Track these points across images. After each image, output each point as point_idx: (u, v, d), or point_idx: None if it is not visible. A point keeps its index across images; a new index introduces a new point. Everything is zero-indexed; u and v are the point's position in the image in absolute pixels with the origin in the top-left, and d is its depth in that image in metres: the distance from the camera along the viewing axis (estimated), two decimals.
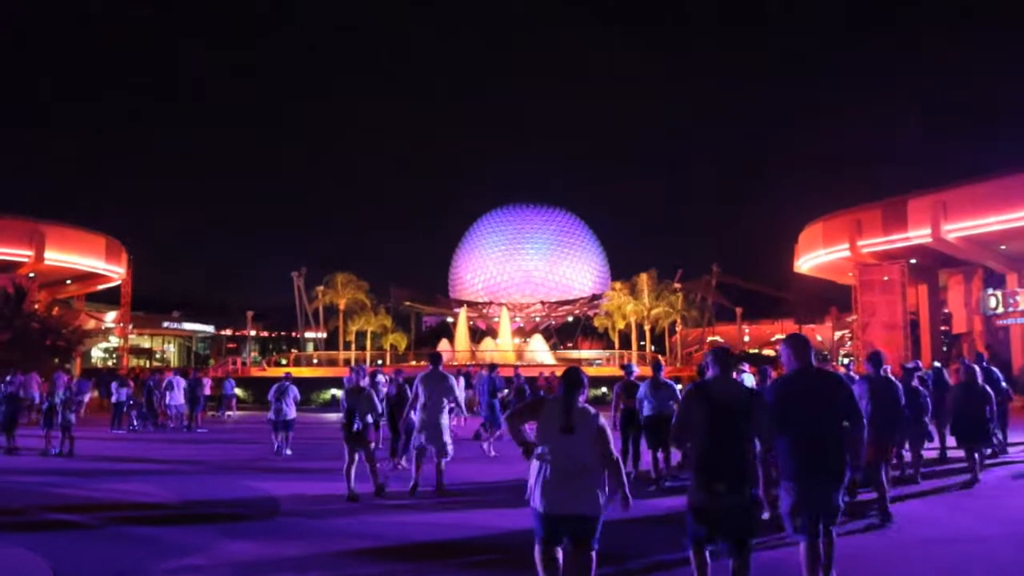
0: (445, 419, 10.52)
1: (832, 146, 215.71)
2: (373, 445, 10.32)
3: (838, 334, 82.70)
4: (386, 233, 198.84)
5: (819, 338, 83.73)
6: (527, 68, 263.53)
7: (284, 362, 58.86)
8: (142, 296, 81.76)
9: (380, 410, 10.45)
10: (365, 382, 10.37)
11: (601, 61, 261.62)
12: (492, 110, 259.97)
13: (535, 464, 5.17)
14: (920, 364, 15.26)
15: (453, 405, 11.11)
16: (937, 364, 15.74)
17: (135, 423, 21.76)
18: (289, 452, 15.26)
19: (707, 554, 5.19)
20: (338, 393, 24.12)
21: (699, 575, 5.17)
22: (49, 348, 34.50)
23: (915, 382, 11.06)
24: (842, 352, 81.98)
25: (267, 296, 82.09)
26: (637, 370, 13.19)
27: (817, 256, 41.07)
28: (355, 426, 9.78)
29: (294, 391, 15.78)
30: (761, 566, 5.67)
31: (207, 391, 24.00)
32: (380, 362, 62.41)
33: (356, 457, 9.95)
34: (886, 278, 37.15)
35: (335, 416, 13.85)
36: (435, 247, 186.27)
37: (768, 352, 79.84)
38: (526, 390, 18.33)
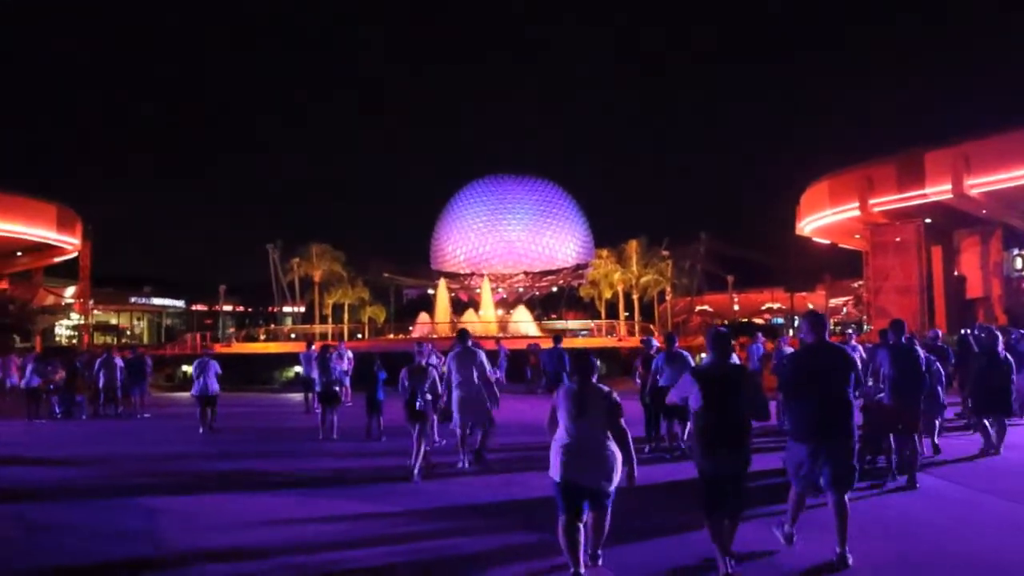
0: (480, 391, 10.53)
1: (833, 103, 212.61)
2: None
3: (833, 302, 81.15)
4: (365, 206, 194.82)
5: (811, 306, 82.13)
6: (511, 35, 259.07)
7: (263, 337, 56.15)
8: (110, 271, 79.14)
9: (440, 390, 10.53)
10: (426, 360, 10.61)
11: (588, 13, 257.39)
12: (473, 78, 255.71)
13: (556, 441, 5.65)
14: (939, 333, 13.97)
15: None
16: (964, 331, 15.22)
17: (57, 409, 18.90)
18: (214, 427, 15.56)
19: (721, 518, 5.61)
20: (299, 370, 21.88)
21: (714, 539, 5.62)
22: None
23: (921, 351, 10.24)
24: (835, 320, 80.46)
25: (243, 270, 79.16)
26: (657, 343, 13.13)
27: (823, 217, 38.54)
28: (417, 404, 9.94)
29: (215, 366, 16.19)
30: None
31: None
32: (360, 336, 60.20)
33: (418, 429, 10.00)
34: (899, 239, 34.65)
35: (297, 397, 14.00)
36: (416, 219, 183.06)
37: (758, 320, 78.23)
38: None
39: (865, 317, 63.40)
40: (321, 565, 6.28)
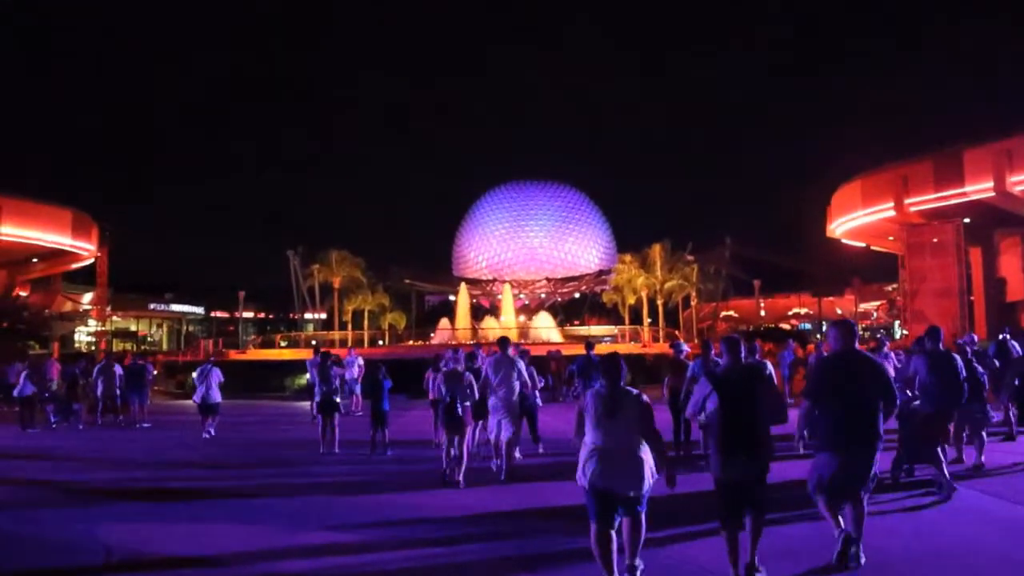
0: (515, 400, 10.60)
1: (857, 103, 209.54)
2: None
3: (863, 306, 79.54)
4: (387, 212, 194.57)
5: (839, 311, 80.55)
6: (531, 39, 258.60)
7: (283, 344, 55.62)
8: (130, 277, 79.16)
9: (477, 396, 10.48)
10: (461, 366, 10.66)
11: (608, 18, 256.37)
12: (494, 84, 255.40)
13: (585, 447, 5.51)
14: (975, 338, 13.33)
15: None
16: (1002, 336, 14.03)
17: (52, 418, 18.00)
18: (213, 433, 15.26)
19: (736, 528, 5.52)
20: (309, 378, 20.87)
21: (729, 546, 5.52)
22: (6, 332, 30.87)
23: (970, 357, 10.30)
24: (864, 325, 78.72)
25: (264, 277, 78.76)
26: (687, 348, 12.91)
27: (855, 218, 37.20)
28: (457, 411, 9.86)
29: (217, 374, 15.81)
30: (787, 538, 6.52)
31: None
32: (381, 342, 59.60)
33: (454, 441, 9.95)
34: (936, 240, 33.22)
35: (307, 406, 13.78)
36: (438, 225, 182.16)
37: (785, 326, 76.77)
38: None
39: (899, 322, 61.86)
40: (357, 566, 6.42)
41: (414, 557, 6.66)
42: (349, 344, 56.98)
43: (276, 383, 29.33)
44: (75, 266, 46.10)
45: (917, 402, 8.89)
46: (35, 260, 41.36)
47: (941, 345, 9.02)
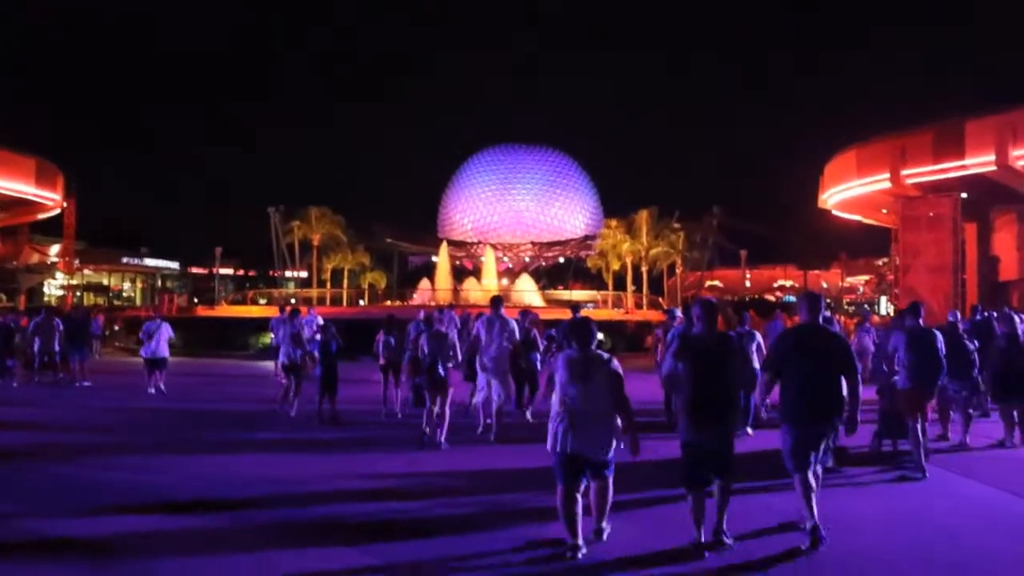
0: (506, 361, 10.56)
1: (854, 74, 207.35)
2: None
3: (849, 280, 79.22)
4: (371, 171, 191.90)
5: (824, 284, 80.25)
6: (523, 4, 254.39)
7: (263, 301, 54.37)
8: (107, 232, 77.28)
9: (460, 358, 10.44)
10: (447, 327, 10.53)
11: None
12: (483, 46, 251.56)
13: (554, 410, 5.53)
14: (959, 315, 12.77)
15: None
16: (986, 313, 13.97)
17: None
18: (164, 390, 15.12)
19: (702, 493, 5.56)
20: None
21: (695, 512, 5.53)
22: None
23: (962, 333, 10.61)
24: (848, 300, 78.29)
25: (244, 234, 77.21)
26: (680, 314, 12.45)
27: (849, 188, 35.90)
28: (439, 372, 9.70)
29: (167, 329, 15.89)
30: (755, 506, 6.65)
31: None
32: (362, 301, 58.59)
33: (437, 401, 9.79)
34: (932, 214, 32.05)
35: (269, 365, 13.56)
36: (424, 187, 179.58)
37: (769, 298, 76.28)
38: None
39: (887, 297, 61.31)
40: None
41: (381, 511, 6.78)
42: (328, 302, 56.43)
43: (242, 341, 28.18)
44: (41, 217, 44.31)
45: (897, 377, 8.90)
46: None
47: (922, 321, 8.96)
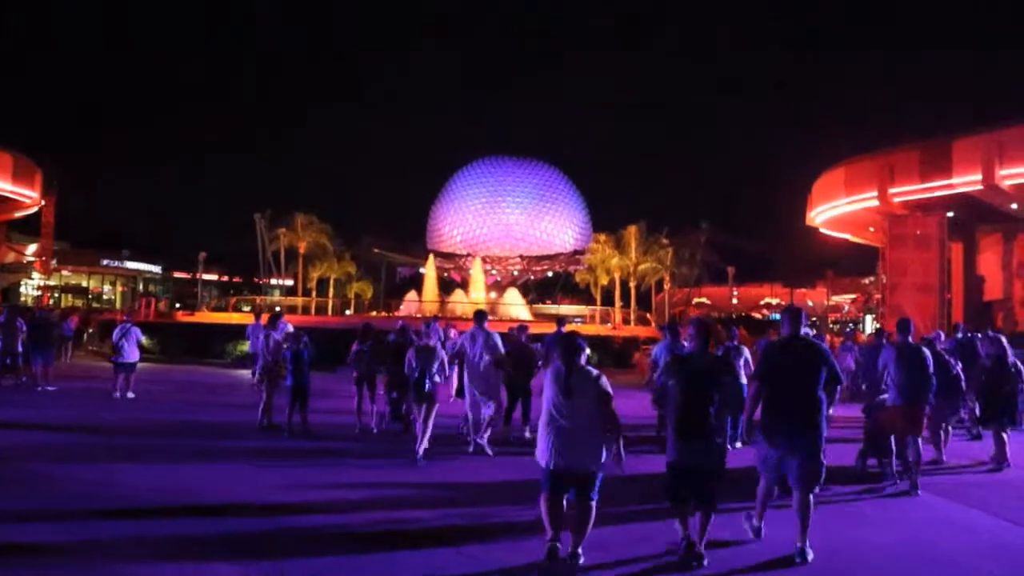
0: (493, 374, 10.46)
1: (844, 92, 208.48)
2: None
3: (835, 299, 79.21)
4: (361, 181, 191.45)
5: (810, 303, 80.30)
6: (515, 14, 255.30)
7: (248, 308, 53.83)
8: (89, 233, 76.49)
9: (448, 372, 10.42)
10: (434, 340, 10.20)
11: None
12: (473, 59, 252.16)
13: (542, 423, 5.58)
14: (942, 335, 12.67)
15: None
16: (969, 333, 13.80)
17: None
18: (132, 395, 14.98)
19: (686, 511, 5.63)
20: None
21: (680, 518, 5.67)
22: None
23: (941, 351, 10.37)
24: (833, 319, 78.35)
25: (229, 240, 76.31)
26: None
27: (836, 206, 35.86)
28: (426, 386, 9.61)
29: (137, 333, 15.76)
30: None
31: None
32: (348, 311, 58.14)
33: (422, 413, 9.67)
34: (919, 232, 32.00)
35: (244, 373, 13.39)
36: (413, 198, 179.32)
37: (756, 315, 76.24)
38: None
39: (874, 316, 61.18)
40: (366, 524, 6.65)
41: (363, 521, 6.76)
42: (312, 311, 55.88)
43: (219, 349, 27.62)
44: (18, 215, 43.65)
45: (886, 395, 8.84)
46: None
47: (911, 338, 8.88)
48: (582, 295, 68.30)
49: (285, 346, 11.78)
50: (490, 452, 10.04)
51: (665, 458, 5.82)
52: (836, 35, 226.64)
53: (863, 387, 10.30)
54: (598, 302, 59.33)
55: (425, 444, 9.48)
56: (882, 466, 8.95)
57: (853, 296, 78.31)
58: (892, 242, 33.31)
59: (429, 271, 62.24)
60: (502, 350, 10.62)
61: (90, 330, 29.49)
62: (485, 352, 10.31)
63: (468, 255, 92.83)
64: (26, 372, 16.32)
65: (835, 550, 6.08)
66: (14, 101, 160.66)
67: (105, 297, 79.09)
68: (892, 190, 31.60)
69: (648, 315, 54.79)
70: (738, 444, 10.16)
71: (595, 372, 5.55)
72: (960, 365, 10.60)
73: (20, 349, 16.04)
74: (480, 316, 10.94)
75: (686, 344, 10.24)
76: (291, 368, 11.32)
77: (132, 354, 15.28)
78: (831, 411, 6.17)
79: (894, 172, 31.53)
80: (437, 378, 9.78)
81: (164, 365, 23.14)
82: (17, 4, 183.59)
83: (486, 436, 10.17)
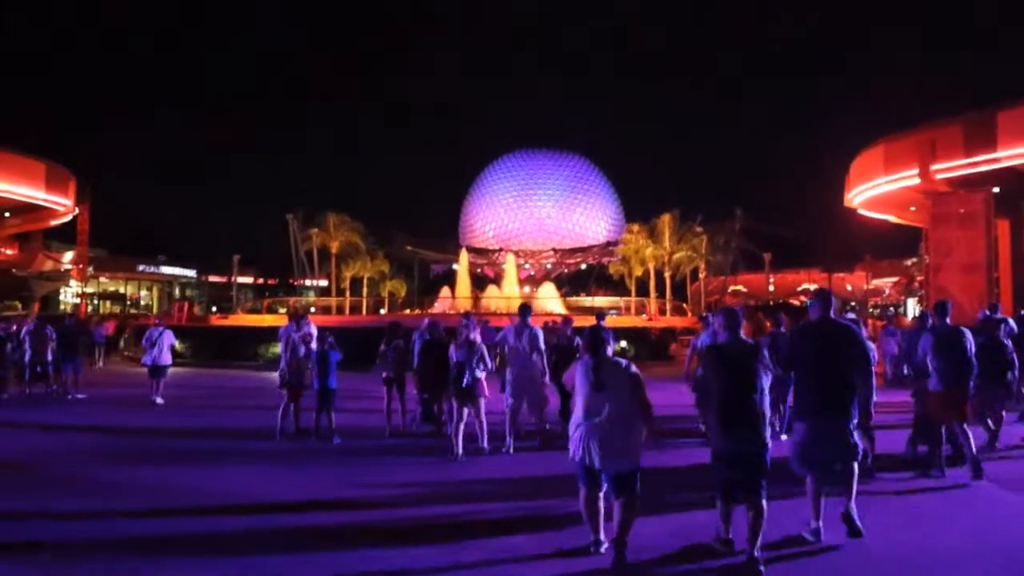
0: (537, 370, 10.27)
1: (877, 70, 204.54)
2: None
3: (875, 283, 77.59)
4: (392, 179, 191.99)
5: (849, 287, 78.74)
6: (541, 6, 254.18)
7: (283, 309, 54.06)
8: (127, 239, 77.59)
9: (491, 365, 10.11)
10: (475, 335, 9.92)
11: None
12: (501, 50, 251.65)
13: (575, 418, 5.53)
14: (987, 314, 11.98)
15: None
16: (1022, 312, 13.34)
17: None
18: (160, 400, 14.86)
19: (733, 500, 5.61)
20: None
21: (724, 520, 5.68)
22: None
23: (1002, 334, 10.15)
24: (873, 303, 76.82)
25: (263, 242, 77.03)
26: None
27: (876, 186, 34.78)
28: (464, 381, 9.50)
29: (169, 336, 15.73)
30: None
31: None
32: (382, 310, 58.19)
33: (465, 414, 9.58)
34: (963, 210, 30.87)
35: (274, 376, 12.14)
36: (446, 194, 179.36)
37: (794, 302, 74.90)
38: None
39: (916, 298, 59.84)
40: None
41: (412, 517, 6.82)
42: (346, 311, 55.96)
43: (252, 351, 27.56)
44: (54, 223, 44.17)
45: (929, 380, 8.62)
46: (7, 215, 39.39)
47: (949, 320, 8.68)
48: (616, 287, 67.57)
49: (303, 348, 11.43)
50: (509, 449, 9.94)
51: (710, 449, 5.80)
52: (872, 6, 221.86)
53: (906, 372, 10.02)
54: (632, 293, 58.72)
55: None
56: (932, 453, 8.61)
57: (895, 279, 76.51)
58: (935, 221, 32.20)
59: (462, 267, 62.04)
60: (542, 347, 10.40)
61: (126, 335, 29.61)
62: (531, 348, 10.18)
63: (500, 250, 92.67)
64: (56, 380, 16.24)
65: (896, 549, 5.84)
66: (45, 108, 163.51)
67: (143, 303, 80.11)
68: (934, 167, 30.48)
69: (684, 305, 54.04)
70: (783, 436, 9.88)
71: (624, 362, 5.52)
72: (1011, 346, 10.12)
73: (50, 357, 15.95)
74: (525, 310, 10.70)
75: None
76: (316, 371, 10.97)
77: (164, 358, 15.34)
78: (875, 397, 5.99)
79: (936, 148, 30.41)
80: (478, 372, 9.61)
81: (195, 369, 23.07)
82: (47, 10, 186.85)
83: (509, 441, 10.06)
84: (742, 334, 5.81)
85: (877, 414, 6.21)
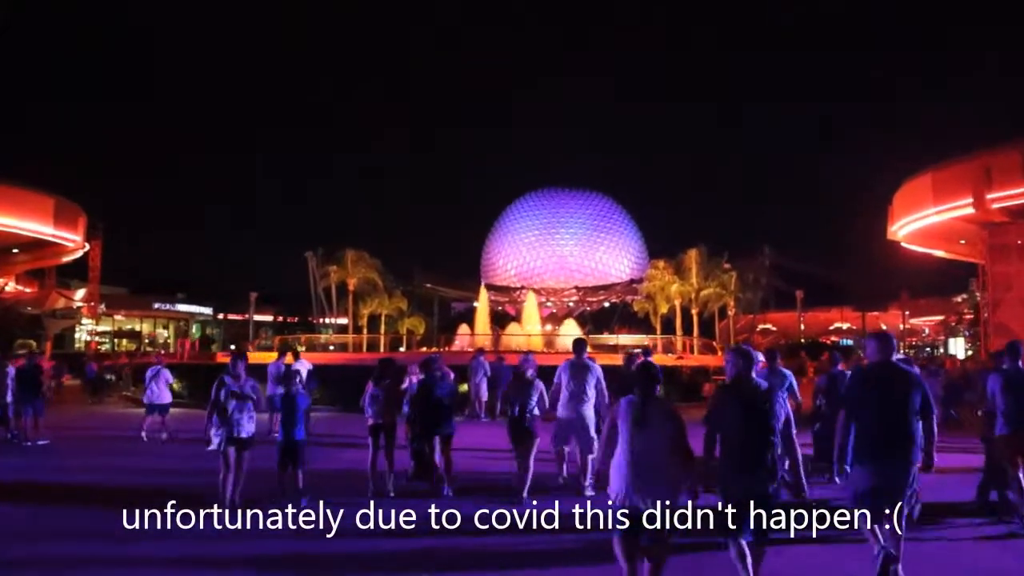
0: (590, 411, 9.68)
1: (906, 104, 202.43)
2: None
3: (912, 322, 75.06)
4: (414, 219, 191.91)
5: (884, 327, 76.13)
6: (567, 45, 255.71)
7: (301, 348, 52.61)
8: (148, 279, 76.99)
9: (548, 404, 9.59)
10: (531, 373, 9.57)
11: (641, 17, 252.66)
12: (524, 90, 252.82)
13: (616, 457, 5.38)
14: None
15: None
16: None
17: None
18: (165, 436, 14.71)
19: (743, 542, 5.39)
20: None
21: (739, 561, 5.40)
22: None
23: None
24: (909, 344, 74.17)
25: (283, 280, 76.59)
26: (761, 359, 10.51)
27: (924, 217, 32.69)
28: (525, 421, 9.17)
29: (167, 375, 15.66)
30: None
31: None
32: (401, 348, 56.57)
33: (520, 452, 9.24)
34: (1021, 242, 28.73)
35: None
36: (467, 233, 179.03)
37: (825, 342, 72.45)
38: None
39: (967, 336, 57.25)
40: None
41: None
42: (363, 348, 54.44)
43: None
44: (65, 260, 43.07)
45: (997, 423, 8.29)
46: (15, 251, 38.21)
47: (1021, 362, 8.15)
48: (640, 324, 65.60)
49: (269, 391, 9.75)
50: (592, 492, 9.24)
51: (720, 490, 5.54)
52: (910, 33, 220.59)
53: (952, 413, 9.90)
54: (658, 331, 56.69)
55: (528, 484, 9.05)
56: (1003, 500, 8.32)
57: (937, 317, 73.91)
58: (993, 254, 30.09)
59: (482, 305, 60.66)
60: (604, 385, 9.83)
61: (124, 373, 28.09)
62: (590, 388, 9.58)
63: (522, 288, 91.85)
64: (17, 425, 14.42)
65: None
66: (72, 151, 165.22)
67: (160, 341, 79.16)
68: (990, 195, 28.42)
69: (714, 343, 51.95)
70: (836, 480, 9.11)
71: (670, 405, 5.52)
72: None
73: (10, 399, 14.14)
74: (580, 346, 10.07)
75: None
76: (280, 419, 9.01)
77: (163, 396, 15.23)
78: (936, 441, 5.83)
79: (992, 175, 28.36)
80: (536, 411, 9.29)
81: (188, 410, 21.30)
82: (66, 54, 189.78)
83: (590, 478, 9.43)
84: (753, 374, 5.61)
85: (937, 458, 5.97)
